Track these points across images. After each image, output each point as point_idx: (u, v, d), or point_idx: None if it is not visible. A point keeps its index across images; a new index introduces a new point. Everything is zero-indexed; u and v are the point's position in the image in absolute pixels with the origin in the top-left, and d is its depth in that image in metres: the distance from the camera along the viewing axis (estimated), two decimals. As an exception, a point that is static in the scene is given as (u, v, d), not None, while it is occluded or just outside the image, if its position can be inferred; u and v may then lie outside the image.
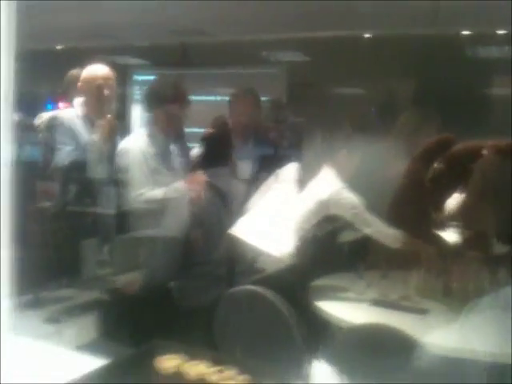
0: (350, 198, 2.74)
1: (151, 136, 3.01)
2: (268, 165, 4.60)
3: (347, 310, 2.34)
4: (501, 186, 1.87)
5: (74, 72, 3.06)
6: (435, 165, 2.63)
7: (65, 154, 2.71)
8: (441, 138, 2.69)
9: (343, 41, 4.79)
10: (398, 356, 1.72)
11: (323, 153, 3.12)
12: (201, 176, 2.92)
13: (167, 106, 2.99)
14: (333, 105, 5.44)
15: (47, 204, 2.79)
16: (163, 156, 3.04)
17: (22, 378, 1.35)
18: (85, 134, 2.79)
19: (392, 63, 4.92)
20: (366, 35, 4.72)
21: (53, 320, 2.04)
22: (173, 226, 2.77)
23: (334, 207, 2.74)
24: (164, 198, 2.83)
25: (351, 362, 1.76)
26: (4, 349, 1.41)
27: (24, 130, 3.35)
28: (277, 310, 2.17)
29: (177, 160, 3.15)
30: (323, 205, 2.74)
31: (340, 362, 1.83)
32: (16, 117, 1.45)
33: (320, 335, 2.24)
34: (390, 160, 4.04)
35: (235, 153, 3.63)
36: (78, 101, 2.96)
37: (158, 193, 2.86)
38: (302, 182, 2.90)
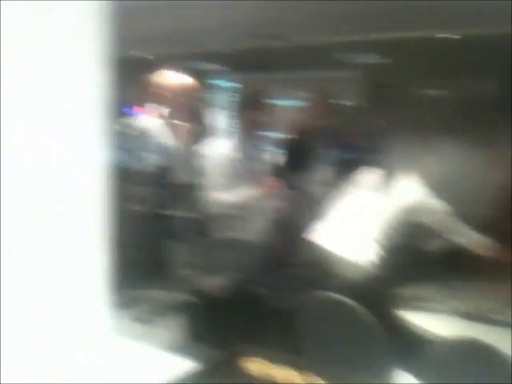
0: (436, 204, 2.67)
1: (232, 141, 3.13)
2: (349, 169, 4.57)
3: (432, 320, 2.28)
4: None
5: (156, 78, 3.14)
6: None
7: (149, 162, 2.79)
8: None
9: (425, 41, 4.68)
10: (491, 373, 1.66)
11: (406, 158, 3.06)
12: (276, 181, 3.02)
13: (249, 112, 3.14)
14: (415, 107, 5.32)
15: (137, 207, 2.89)
16: (244, 161, 3.14)
17: (115, 377, 1.40)
18: (169, 140, 2.87)
19: (476, 64, 4.75)
20: (450, 36, 4.58)
21: (142, 320, 2.11)
22: (252, 230, 2.83)
23: (419, 214, 2.68)
24: (241, 203, 2.93)
25: (440, 375, 1.72)
26: (103, 347, 1.48)
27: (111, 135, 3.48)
28: (360, 319, 2.14)
29: (257, 164, 3.20)
30: (408, 212, 2.69)
31: (427, 375, 1.79)
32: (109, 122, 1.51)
33: (404, 346, 2.19)
34: (477, 164, 3.92)
35: (317, 157, 3.63)
36: (161, 107, 3.03)
37: (234, 197, 2.97)
38: (384, 187, 2.85)
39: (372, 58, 5.30)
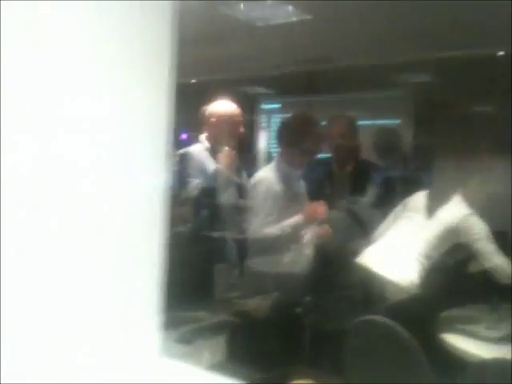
0: (479, 225, 2.65)
1: (281, 170, 3.05)
2: (397, 189, 4.55)
3: (477, 344, 2.25)
4: None
5: (206, 106, 3.29)
6: None
7: (193, 186, 2.92)
8: None
9: (473, 59, 4.64)
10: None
11: (454, 178, 3.05)
12: (320, 206, 2.92)
13: (299, 142, 3.02)
14: (464, 126, 5.25)
15: (182, 229, 2.99)
16: (291, 191, 3.07)
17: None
18: (212, 166, 2.99)
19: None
20: (499, 53, 4.52)
21: (184, 340, 2.17)
22: (294, 263, 2.81)
23: (462, 234, 2.67)
24: (282, 235, 2.86)
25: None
26: (151, 368, 1.54)
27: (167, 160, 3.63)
28: (403, 342, 2.15)
29: (304, 190, 3.20)
30: (452, 232, 2.68)
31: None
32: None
33: (447, 369, 2.18)
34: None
35: (366, 179, 3.64)
36: (206, 134, 3.17)
37: (275, 230, 2.88)
38: (431, 209, 2.84)
39: (419, 77, 5.28)
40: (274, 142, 3.46)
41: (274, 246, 2.80)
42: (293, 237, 2.85)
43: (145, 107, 1.39)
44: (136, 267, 1.48)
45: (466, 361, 2.14)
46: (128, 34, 1.30)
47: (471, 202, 2.76)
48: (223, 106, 3.22)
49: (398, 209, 3.07)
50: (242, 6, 3.56)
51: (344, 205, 3.25)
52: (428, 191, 3.02)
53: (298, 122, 3.19)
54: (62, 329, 1.33)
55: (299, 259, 2.80)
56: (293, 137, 3.04)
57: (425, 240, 2.74)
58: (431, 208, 2.85)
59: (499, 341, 2.26)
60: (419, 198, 2.99)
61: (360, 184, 3.42)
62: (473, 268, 2.80)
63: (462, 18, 3.87)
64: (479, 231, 2.63)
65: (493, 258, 2.60)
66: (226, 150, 3.02)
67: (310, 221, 2.90)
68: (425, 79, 5.31)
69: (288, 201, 2.98)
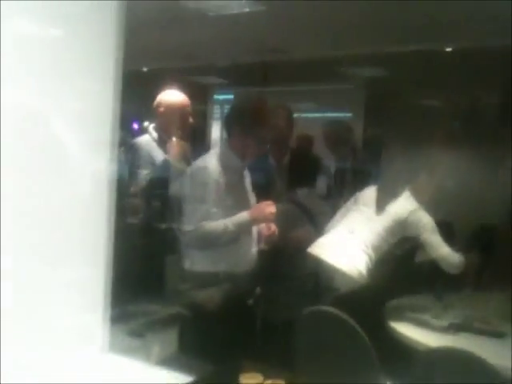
0: (426, 218, 2.74)
1: (225, 159, 2.73)
2: (347, 182, 4.62)
3: (423, 332, 2.31)
4: None
5: (156, 95, 3.24)
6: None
7: (141, 177, 2.88)
8: None
9: (423, 54, 4.73)
10: (474, 382, 1.69)
11: (403, 171, 3.12)
12: (268, 206, 2.67)
13: (255, 130, 2.71)
14: (413, 119, 5.36)
15: (133, 221, 2.95)
16: (237, 179, 2.79)
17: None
18: (160, 156, 2.95)
19: (473, 76, 4.80)
20: (447, 49, 4.63)
21: (135, 334, 2.15)
22: (240, 262, 2.68)
23: (410, 228, 2.75)
24: (227, 231, 2.60)
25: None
26: (97, 363, 1.51)
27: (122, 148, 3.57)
28: (352, 331, 2.18)
29: (250, 183, 2.92)
30: (400, 225, 2.76)
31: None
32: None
33: (395, 357, 2.23)
34: (475, 176, 3.96)
35: (316, 170, 3.65)
36: (154, 125, 3.12)
37: (219, 225, 2.61)
38: (382, 204, 2.90)
39: (371, 71, 5.35)
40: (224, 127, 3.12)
41: (215, 242, 2.61)
42: (237, 235, 2.63)
43: (90, 95, 1.36)
44: (81, 260, 1.45)
45: (414, 349, 2.19)
46: (72, 21, 1.26)
47: (419, 197, 2.85)
48: (171, 96, 3.16)
49: (350, 202, 3.12)
50: (192, -6, 3.52)
51: (291, 196, 3.25)
52: (378, 186, 3.08)
53: (255, 107, 2.82)
54: (8, 321, 1.28)
55: (245, 254, 2.71)
56: (249, 123, 2.69)
57: (374, 233, 2.80)
58: (381, 202, 2.91)
59: (446, 329, 2.33)
60: (370, 192, 3.05)
61: (301, 175, 3.34)
62: (419, 258, 2.88)
63: (412, 14, 3.94)
64: (426, 225, 2.73)
65: (439, 248, 2.69)
66: (174, 141, 2.97)
67: (257, 221, 2.70)
68: (376, 73, 5.38)
69: (231, 193, 2.72)
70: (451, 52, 4.61)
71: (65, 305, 1.41)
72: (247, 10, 3.73)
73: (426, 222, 2.74)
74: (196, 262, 2.64)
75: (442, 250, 2.69)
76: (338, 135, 4.38)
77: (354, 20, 4.11)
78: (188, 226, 2.61)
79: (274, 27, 4.22)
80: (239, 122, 2.76)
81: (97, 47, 1.33)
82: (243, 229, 2.66)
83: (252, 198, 2.91)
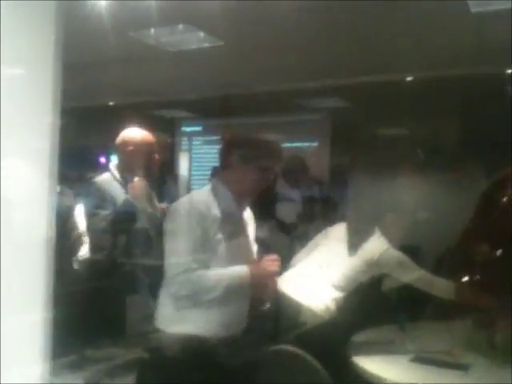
0: (398, 257, 2.73)
1: (219, 196, 2.32)
2: (313, 214, 4.62)
3: (388, 366, 2.28)
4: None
5: (121, 136, 3.13)
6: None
7: (101, 217, 2.78)
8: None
9: (385, 84, 4.82)
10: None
11: (370, 208, 3.12)
12: (274, 261, 2.33)
13: (256, 161, 2.33)
14: (377, 148, 5.43)
15: (94, 260, 2.90)
16: (231, 221, 2.33)
17: None
18: (121, 196, 2.86)
19: (436, 104, 4.90)
20: (408, 78, 4.72)
21: (93, 380, 2.08)
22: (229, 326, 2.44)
23: (382, 267, 2.73)
24: (220, 286, 2.21)
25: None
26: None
27: (81, 186, 3.50)
28: (313, 370, 2.15)
29: (246, 227, 2.49)
30: (372, 265, 2.73)
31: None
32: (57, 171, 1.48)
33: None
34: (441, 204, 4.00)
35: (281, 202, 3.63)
36: (117, 163, 3.01)
37: (217, 278, 2.21)
38: (352, 241, 2.89)
39: (335, 102, 5.42)
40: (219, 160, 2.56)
41: (202, 296, 2.22)
42: (229, 293, 2.22)
43: (27, 137, 1.33)
44: (18, 307, 1.38)
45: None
46: (12, 58, 1.24)
47: (389, 235, 2.83)
48: (136, 135, 3.02)
49: (320, 236, 3.08)
50: (152, 31, 3.53)
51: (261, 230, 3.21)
52: (348, 222, 3.06)
53: (259, 139, 2.53)
54: None
55: (235, 318, 2.40)
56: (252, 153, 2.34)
57: (344, 269, 2.78)
58: (352, 240, 2.89)
59: (410, 363, 2.30)
60: (341, 228, 3.02)
61: (262, 209, 3.20)
62: (385, 286, 2.87)
63: (372, 45, 4.02)
64: (401, 261, 2.70)
65: (422, 280, 2.64)
66: (136, 181, 2.90)
67: (257, 279, 2.28)
68: (340, 104, 5.46)
69: (229, 237, 2.29)
70: (411, 81, 4.70)
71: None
72: (206, 45, 3.76)
73: (398, 260, 2.72)
74: (171, 321, 2.27)
75: (427, 278, 2.64)
76: (294, 171, 4.39)
77: (316, 52, 4.18)
78: (171, 270, 2.20)
79: (235, 61, 4.26)
80: (239, 152, 2.36)
81: (35, 84, 1.30)
82: (239, 287, 2.26)
83: (254, 247, 2.51)
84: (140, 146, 2.97)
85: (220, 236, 2.25)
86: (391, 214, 2.95)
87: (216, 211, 2.25)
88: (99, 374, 2.13)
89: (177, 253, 2.22)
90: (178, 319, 2.26)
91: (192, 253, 2.20)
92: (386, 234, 2.83)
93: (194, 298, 2.22)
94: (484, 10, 3.21)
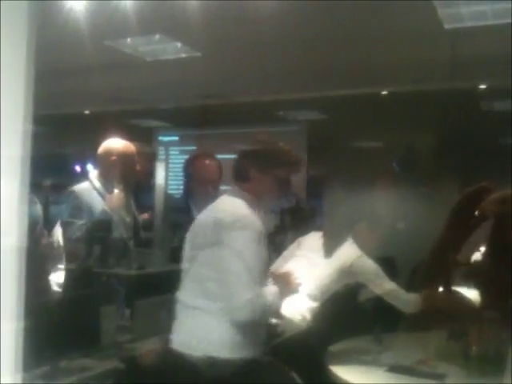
0: (370, 265, 2.75)
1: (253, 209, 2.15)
2: (288, 220, 4.63)
3: (364, 375, 2.29)
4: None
5: (102, 146, 3.06)
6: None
7: (77, 227, 2.74)
8: (480, 187, 2.69)
9: (360, 98, 4.88)
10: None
11: (345, 218, 3.14)
12: (295, 279, 2.32)
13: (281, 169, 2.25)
14: (352, 160, 5.49)
15: (70, 270, 2.85)
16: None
17: None
18: (99, 206, 2.82)
19: (409, 118, 4.98)
20: (383, 92, 4.80)
21: (70, 392, 2.04)
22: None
23: (355, 275, 2.75)
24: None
25: None
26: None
27: (55, 191, 3.44)
28: (289, 380, 2.14)
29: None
30: (345, 273, 2.75)
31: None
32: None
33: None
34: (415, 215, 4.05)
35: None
36: (98, 173, 2.96)
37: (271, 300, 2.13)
38: (326, 249, 2.90)
39: (310, 114, 5.47)
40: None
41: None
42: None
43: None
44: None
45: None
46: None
47: (361, 243, 2.85)
48: (117, 145, 2.97)
49: (293, 246, 3.09)
50: (128, 40, 3.53)
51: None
52: (323, 231, 3.07)
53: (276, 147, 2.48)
54: None
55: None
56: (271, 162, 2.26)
57: (319, 279, 2.79)
58: (326, 249, 2.90)
59: (386, 373, 2.31)
60: (314, 238, 3.03)
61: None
62: (361, 297, 2.89)
63: (349, 58, 4.08)
64: (371, 272, 2.72)
65: (391, 292, 2.66)
66: (115, 193, 2.87)
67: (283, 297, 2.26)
68: (316, 116, 5.52)
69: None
70: (387, 95, 4.77)
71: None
72: (183, 55, 3.77)
73: (370, 269, 2.74)
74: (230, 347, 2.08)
75: (395, 291, 2.68)
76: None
77: (292, 65, 4.22)
78: (241, 294, 2.00)
79: (212, 72, 4.28)
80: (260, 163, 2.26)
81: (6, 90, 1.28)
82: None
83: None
84: (123, 157, 2.93)
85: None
86: (364, 222, 2.97)
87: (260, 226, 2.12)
88: (73, 385, 2.09)
89: (246, 275, 2.03)
90: (237, 344, 2.10)
91: (260, 274, 2.08)
92: (358, 241, 2.85)
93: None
94: (457, 27, 3.29)
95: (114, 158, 2.93)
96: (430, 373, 2.30)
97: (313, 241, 3.01)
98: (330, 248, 2.89)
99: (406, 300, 2.69)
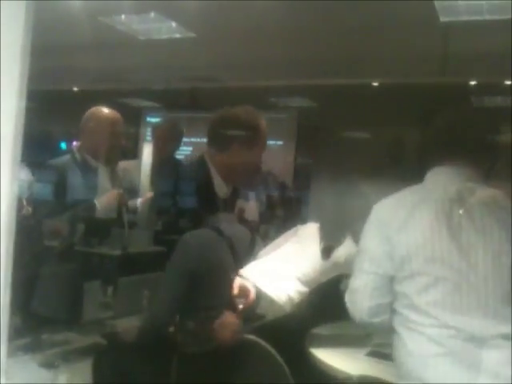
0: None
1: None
2: (275, 208, 4.64)
3: (344, 360, 2.32)
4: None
5: (87, 114, 2.94)
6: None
7: (64, 197, 2.63)
8: None
9: (352, 88, 4.89)
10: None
11: (335, 204, 3.16)
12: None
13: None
14: (341, 150, 5.50)
15: (54, 245, 2.83)
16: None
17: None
18: (79, 183, 2.65)
19: (399, 110, 4.99)
20: (374, 83, 4.80)
21: (48, 365, 2.04)
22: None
23: (347, 267, 2.77)
24: None
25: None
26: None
27: (38, 169, 3.40)
28: (273, 360, 2.16)
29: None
30: (337, 266, 2.77)
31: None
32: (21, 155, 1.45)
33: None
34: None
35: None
36: (80, 143, 2.75)
37: None
38: (324, 243, 2.93)
39: (301, 102, 5.47)
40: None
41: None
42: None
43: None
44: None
45: (334, 377, 2.19)
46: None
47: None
48: (103, 112, 2.77)
49: (290, 232, 3.09)
50: (123, 17, 3.49)
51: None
52: (321, 225, 3.09)
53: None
54: None
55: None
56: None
57: (311, 267, 2.80)
58: (325, 242, 2.93)
59: (366, 357, 2.35)
60: (311, 228, 3.04)
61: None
62: (343, 285, 2.91)
63: (341, 48, 4.08)
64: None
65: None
66: (115, 192, 2.70)
67: None
68: (306, 104, 5.51)
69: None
70: (378, 86, 4.78)
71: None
72: (178, 35, 3.74)
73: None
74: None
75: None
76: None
77: (286, 52, 4.21)
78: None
79: (205, 55, 4.25)
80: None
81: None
82: None
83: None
84: (109, 125, 2.71)
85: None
86: (362, 221, 2.99)
87: None
88: (55, 358, 2.09)
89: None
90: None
91: None
92: (356, 239, 2.88)
93: None
94: (452, 20, 3.30)
95: (92, 124, 2.72)
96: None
97: (311, 231, 3.02)
98: (328, 244, 2.92)
99: None
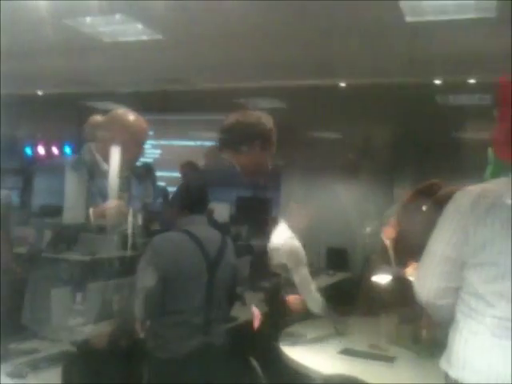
0: (297, 248, 2.85)
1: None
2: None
3: (317, 357, 2.33)
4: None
5: (114, 115, 2.64)
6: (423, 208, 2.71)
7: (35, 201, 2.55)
8: (431, 182, 2.78)
9: (320, 89, 4.91)
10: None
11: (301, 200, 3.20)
12: None
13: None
14: (312, 148, 5.54)
15: (22, 251, 2.77)
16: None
17: None
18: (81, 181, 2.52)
19: (367, 111, 5.04)
20: (342, 84, 4.83)
21: (16, 374, 1.99)
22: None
23: (283, 256, 2.84)
24: None
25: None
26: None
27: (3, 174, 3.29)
28: (243, 363, 2.16)
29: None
30: (276, 253, 2.85)
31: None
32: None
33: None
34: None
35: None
36: (95, 144, 2.50)
37: None
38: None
39: (270, 103, 5.47)
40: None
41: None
42: None
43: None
44: None
45: (307, 376, 2.19)
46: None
47: (291, 225, 2.95)
48: (134, 120, 2.49)
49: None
50: (87, 19, 3.43)
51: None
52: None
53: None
54: None
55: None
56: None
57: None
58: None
59: (339, 353, 2.36)
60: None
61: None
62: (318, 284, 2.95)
63: (309, 49, 4.09)
64: (296, 254, 2.83)
65: (303, 285, 2.79)
66: (117, 203, 2.44)
67: None
68: (275, 105, 5.51)
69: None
70: (346, 87, 4.81)
71: None
72: (145, 37, 3.70)
73: (296, 252, 2.85)
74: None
75: (308, 285, 2.79)
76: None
77: (255, 53, 4.20)
78: None
79: (173, 56, 4.22)
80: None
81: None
82: None
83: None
84: (136, 131, 2.50)
85: None
86: (293, 203, 3.07)
87: None
88: (23, 367, 2.04)
89: None
90: None
91: None
92: (289, 222, 2.94)
93: None
94: (418, 20, 3.33)
95: (125, 129, 2.47)
96: (381, 355, 2.36)
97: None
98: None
99: (314, 298, 2.79)
